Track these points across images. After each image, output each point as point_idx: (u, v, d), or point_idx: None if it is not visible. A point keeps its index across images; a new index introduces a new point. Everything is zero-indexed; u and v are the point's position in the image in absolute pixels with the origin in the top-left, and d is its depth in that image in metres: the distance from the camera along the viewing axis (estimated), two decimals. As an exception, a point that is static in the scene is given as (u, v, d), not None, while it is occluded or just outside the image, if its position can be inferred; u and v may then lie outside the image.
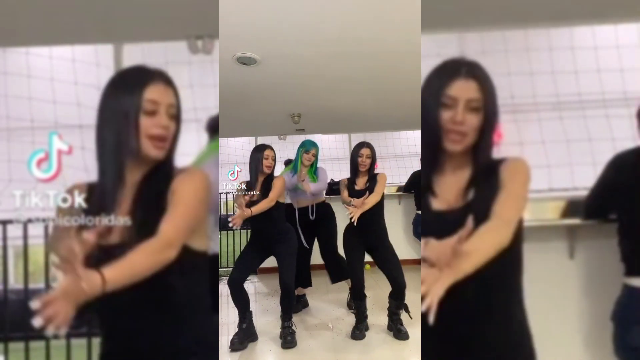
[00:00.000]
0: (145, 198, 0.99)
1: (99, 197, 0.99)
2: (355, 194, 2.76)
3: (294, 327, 2.74)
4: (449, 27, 2.34)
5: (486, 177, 1.02)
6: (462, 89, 1.00)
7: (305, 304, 3.52)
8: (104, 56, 2.23)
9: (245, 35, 2.33)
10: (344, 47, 2.56)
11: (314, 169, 3.37)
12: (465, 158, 1.05)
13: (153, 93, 0.98)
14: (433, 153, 1.05)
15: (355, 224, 2.50)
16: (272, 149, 2.80)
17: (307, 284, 3.51)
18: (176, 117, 1.02)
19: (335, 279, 3.43)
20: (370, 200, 2.65)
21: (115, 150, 0.98)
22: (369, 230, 2.76)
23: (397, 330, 2.74)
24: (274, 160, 2.78)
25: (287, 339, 2.65)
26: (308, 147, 3.33)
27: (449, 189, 1.05)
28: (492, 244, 0.91)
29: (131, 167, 1.00)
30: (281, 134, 6.09)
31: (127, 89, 0.98)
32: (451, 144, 1.02)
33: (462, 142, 1.01)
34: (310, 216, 3.34)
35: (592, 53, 2.25)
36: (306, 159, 3.32)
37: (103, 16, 1.95)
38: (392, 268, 2.80)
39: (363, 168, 2.79)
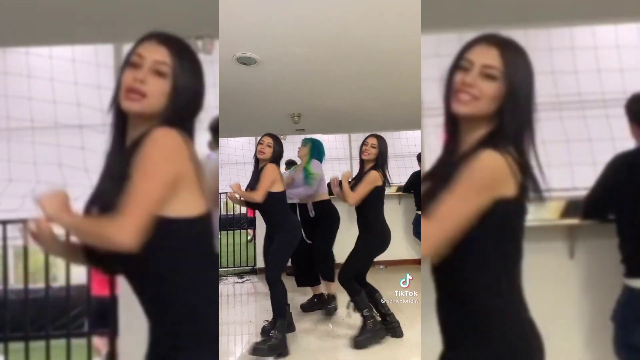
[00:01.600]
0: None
1: (107, 158, 1.01)
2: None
3: (274, 340, 2.47)
4: (449, 27, 2.34)
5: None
6: (480, 54, 0.96)
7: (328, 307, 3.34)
8: (104, 56, 2.22)
9: (245, 35, 2.33)
10: (344, 47, 2.56)
11: (307, 164, 3.33)
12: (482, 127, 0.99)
13: (142, 48, 0.98)
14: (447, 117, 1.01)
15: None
16: (269, 135, 2.70)
17: (316, 281, 3.43)
18: (168, 76, 0.97)
19: (303, 282, 3.42)
20: (345, 193, 2.57)
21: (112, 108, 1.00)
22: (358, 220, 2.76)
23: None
24: (270, 146, 2.64)
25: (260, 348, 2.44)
26: (303, 144, 3.40)
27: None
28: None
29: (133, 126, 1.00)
30: (281, 134, 6.09)
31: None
32: (458, 104, 0.96)
33: (469, 105, 0.95)
34: (310, 213, 3.32)
35: (592, 53, 2.25)
36: (299, 156, 3.43)
37: (103, 16, 1.95)
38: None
39: (366, 156, 2.64)
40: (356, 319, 2.78)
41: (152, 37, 0.99)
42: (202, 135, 2.13)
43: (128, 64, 0.97)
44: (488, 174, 0.91)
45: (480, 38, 0.99)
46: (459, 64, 0.98)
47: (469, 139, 0.99)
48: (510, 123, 0.96)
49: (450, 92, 0.99)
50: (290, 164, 4.89)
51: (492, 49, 0.96)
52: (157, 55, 0.97)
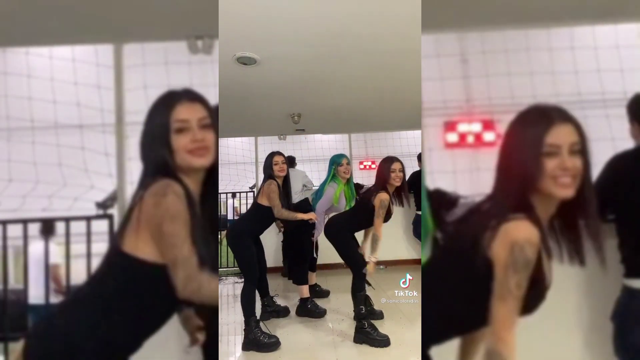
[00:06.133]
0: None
1: None
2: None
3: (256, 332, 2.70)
4: (449, 27, 2.34)
5: None
6: (561, 134, 1.00)
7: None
8: (104, 56, 2.23)
9: (245, 35, 2.33)
10: (344, 47, 2.56)
11: (351, 184, 3.25)
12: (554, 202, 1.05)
13: (180, 112, 1.04)
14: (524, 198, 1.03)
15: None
16: (280, 153, 2.96)
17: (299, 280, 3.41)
18: (211, 126, 1.08)
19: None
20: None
21: (156, 166, 1.05)
22: None
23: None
24: (284, 162, 2.92)
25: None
26: (339, 159, 3.18)
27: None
28: None
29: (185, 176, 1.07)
30: (281, 134, 6.09)
31: (157, 112, 1.07)
32: (562, 189, 1.00)
33: (573, 186, 1.01)
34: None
35: (592, 53, 2.25)
36: (343, 171, 3.14)
37: (103, 16, 1.95)
38: None
39: (398, 182, 2.63)
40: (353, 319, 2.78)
41: (181, 99, 1.06)
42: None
43: (170, 130, 1.04)
44: None
45: (548, 120, 1.01)
46: (542, 152, 1.00)
47: (547, 212, 1.06)
48: (591, 180, 1.04)
49: (535, 178, 1.00)
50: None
51: (567, 125, 1.02)
52: (197, 112, 1.06)
